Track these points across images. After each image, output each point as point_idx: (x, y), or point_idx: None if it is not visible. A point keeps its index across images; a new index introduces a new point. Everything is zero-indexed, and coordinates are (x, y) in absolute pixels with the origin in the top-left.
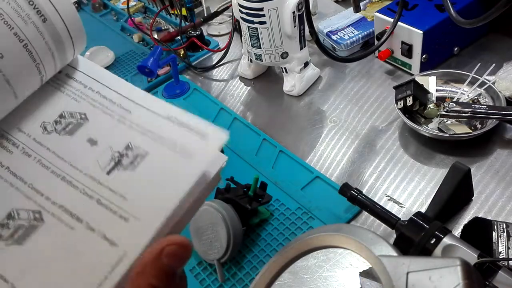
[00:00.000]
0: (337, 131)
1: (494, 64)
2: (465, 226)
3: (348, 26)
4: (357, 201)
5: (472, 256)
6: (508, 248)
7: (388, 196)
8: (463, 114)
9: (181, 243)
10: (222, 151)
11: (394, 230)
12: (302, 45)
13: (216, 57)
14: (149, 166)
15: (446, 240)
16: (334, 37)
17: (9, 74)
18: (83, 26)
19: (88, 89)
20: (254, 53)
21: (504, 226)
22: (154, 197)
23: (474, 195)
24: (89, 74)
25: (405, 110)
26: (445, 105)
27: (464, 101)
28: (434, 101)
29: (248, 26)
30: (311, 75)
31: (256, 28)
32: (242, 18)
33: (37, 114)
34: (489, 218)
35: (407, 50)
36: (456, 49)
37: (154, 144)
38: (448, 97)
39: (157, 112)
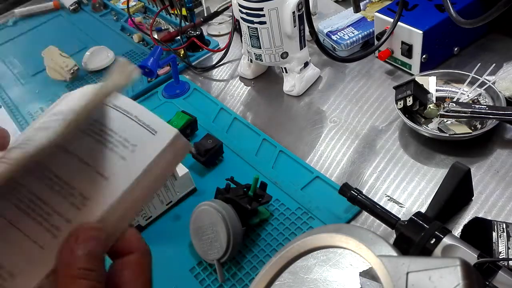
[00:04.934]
0: (337, 131)
1: (494, 64)
2: (465, 226)
3: (348, 26)
4: (357, 201)
5: (472, 256)
6: (508, 248)
7: (388, 196)
8: (463, 114)
9: (91, 227)
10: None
11: (394, 230)
12: (302, 45)
13: (216, 57)
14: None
15: (446, 240)
16: (334, 37)
17: None
18: None
19: None
20: (254, 53)
21: (504, 226)
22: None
23: (474, 195)
24: None
25: (405, 110)
26: (445, 105)
27: (464, 101)
28: (434, 101)
29: (248, 26)
30: (311, 75)
31: (256, 28)
32: (242, 18)
33: None
34: (489, 218)
35: (407, 50)
36: (456, 49)
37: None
38: (448, 97)
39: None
